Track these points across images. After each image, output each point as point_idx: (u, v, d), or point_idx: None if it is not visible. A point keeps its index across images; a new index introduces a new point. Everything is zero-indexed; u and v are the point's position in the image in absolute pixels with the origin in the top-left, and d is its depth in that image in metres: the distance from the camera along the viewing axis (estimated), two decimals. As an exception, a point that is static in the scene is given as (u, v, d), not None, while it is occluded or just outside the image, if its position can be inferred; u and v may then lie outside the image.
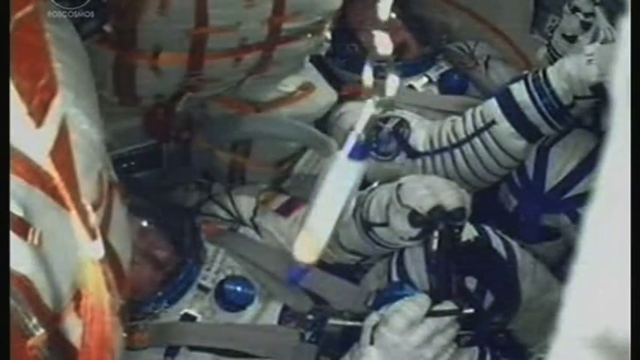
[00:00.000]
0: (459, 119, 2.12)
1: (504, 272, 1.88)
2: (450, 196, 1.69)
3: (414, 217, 1.69)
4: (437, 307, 1.61)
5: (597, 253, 0.48)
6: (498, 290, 1.84)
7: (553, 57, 2.13)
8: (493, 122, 2.03)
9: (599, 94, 1.88)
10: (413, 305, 1.59)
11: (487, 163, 2.07)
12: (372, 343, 1.58)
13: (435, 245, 1.73)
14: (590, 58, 1.90)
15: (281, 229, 1.97)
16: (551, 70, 1.97)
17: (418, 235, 1.72)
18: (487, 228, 1.92)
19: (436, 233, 1.72)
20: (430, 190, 1.70)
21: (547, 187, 2.15)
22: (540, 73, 1.98)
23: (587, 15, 2.06)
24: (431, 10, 2.64)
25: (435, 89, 2.48)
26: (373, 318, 1.64)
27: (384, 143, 2.22)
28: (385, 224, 1.76)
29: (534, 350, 1.87)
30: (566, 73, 1.93)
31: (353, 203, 1.82)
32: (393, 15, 2.54)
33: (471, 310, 1.66)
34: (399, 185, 1.76)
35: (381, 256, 1.96)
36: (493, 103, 2.05)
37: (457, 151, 2.10)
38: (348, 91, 2.43)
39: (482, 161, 2.07)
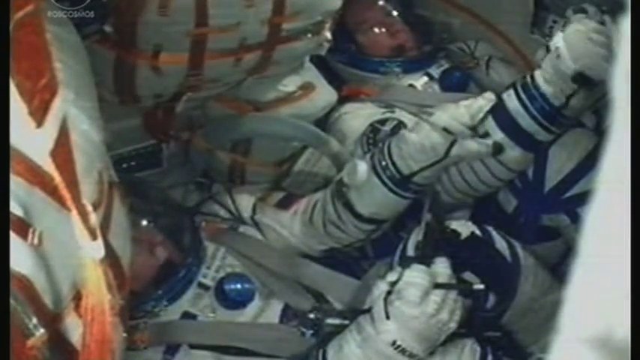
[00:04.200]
0: None
1: (509, 275, 1.88)
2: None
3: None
4: (437, 275, 1.63)
5: (597, 253, 0.48)
6: (501, 292, 1.84)
7: None
8: (486, 134, 2.00)
9: (582, 82, 1.81)
10: (422, 274, 1.61)
11: (481, 173, 2.03)
12: (388, 317, 1.59)
13: (420, 236, 1.74)
14: (557, 52, 1.85)
15: (282, 222, 1.98)
16: (538, 74, 1.93)
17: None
18: (490, 229, 1.91)
19: (423, 224, 1.72)
20: None
21: (547, 187, 2.14)
22: (528, 78, 1.94)
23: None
24: (432, 10, 2.64)
25: (435, 86, 2.47)
26: (382, 288, 1.64)
27: None
28: (441, 159, 1.80)
29: (534, 350, 1.87)
30: (548, 74, 1.89)
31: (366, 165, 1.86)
32: (395, 13, 2.55)
33: (481, 286, 1.68)
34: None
35: (384, 253, 1.96)
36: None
37: None
38: (348, 92, 2.43)
39: (475, 172, 2.03)
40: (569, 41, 1.82)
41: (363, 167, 1.85)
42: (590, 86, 1.81)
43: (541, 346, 1.85)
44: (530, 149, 1.99)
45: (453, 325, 1.63)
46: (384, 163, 1.83)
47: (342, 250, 2.01)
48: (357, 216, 1.89)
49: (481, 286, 1.68)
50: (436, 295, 1.60)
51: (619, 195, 0.45)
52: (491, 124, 1.97)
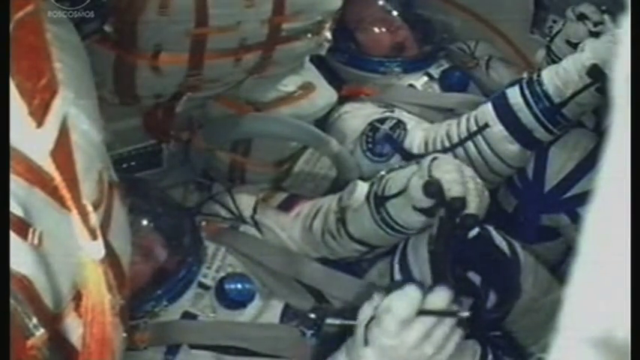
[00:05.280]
0: (454, 123, 2.11)
1: (508, 271, 1.88)
2: (476, 198, 1.63)
3: (429, 186, 1.62)
4: (430, 304, 1.43)
5: (597, 253, 0.48)
6: (502, 289, 1.84)
7: (553, 60, 2.13)
8: (486, 125, 2.01)
9: (597, 77, 1.85)
10: (403, 304, 1.41)
11: (479, 168, 2.03)
12: (366, 344, 1.45)
13: (434, 230, 1.72)
14: (582, 46, 1.91)
15: (282, 224, 1.98)
16: (545, 72, 1.96)
17: (429, 208, 1.66)
18: (490, 228, 1.92)
19: (437, 218, 1.71)
20: (461, 178, 1.64)
21: (547, 186, 2.14)
22: (535, 76, 1.97)
23: (596, 24, 2.06)
24: (432, 10, 2.64)
25: (435, 86, 2.48)
26: (367, 312, 1.48)
27: (380, 144, 2.21)
28: (402, 191, 1.70)
29: (534, 350, 1.87)
30: (562, 69, 1.92)
31: (365, 188, 1.80)
32: (395, 13, 2.55)
33: (466, 314, 1.50)
34: (434, 158, 1.71)
35: (385, 253, 1.96)
36: (488, 106, 2.04)
37: (450, 155, 2.06)
38: (348, 92, 2.43)
39: (474, 166, 2.03)
40: (596, 42, 1.90)
41: (361, 191, 1.80)
42: (602, 82, 1.84)
43: (541, 346, 1.85)
44: (528, 146, 2.01)
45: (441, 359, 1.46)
46: (380, 208, 1.77)
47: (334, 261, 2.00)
48: (349, 235, 1.87)
49: (466, 314, 1.49)
50: (420, 326, 1.41)
51: (619, 195, 0.45)
52: (492, 117, 2.00)
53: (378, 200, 1.77)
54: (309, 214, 1.96)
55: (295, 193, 2.13)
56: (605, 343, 0.45)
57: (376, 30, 2.52)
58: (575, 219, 2.10)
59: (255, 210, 2.02)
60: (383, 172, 1.83)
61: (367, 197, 1.80)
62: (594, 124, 2.18)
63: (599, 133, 2.15)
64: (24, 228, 0.92)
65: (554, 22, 2.37)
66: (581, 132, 2.14)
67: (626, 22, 0.46)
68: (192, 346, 1.73)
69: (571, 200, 2.11)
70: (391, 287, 1.49)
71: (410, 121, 2.23)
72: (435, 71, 2.50)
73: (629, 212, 0.45)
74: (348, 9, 2.37)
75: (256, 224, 2.00)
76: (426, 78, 2.49)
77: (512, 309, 1.87)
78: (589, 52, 1.88)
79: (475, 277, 1.82)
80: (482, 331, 1.82)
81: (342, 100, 2.38)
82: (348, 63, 2.50)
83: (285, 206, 2.02)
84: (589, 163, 2.08)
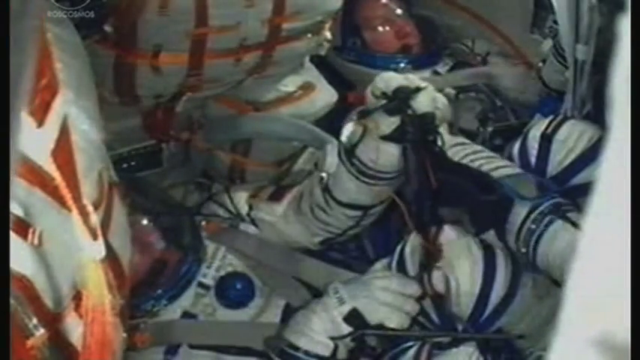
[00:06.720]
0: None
1: (507, 276, 1.88)
2: (423, 97, 1.69)
3: (387, 104, 1.69)
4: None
5: (597, 253, 0.48)
6: (501, 293, 1.84)
7: (557, 52, 2.15)
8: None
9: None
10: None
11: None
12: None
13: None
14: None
15: (276, 214, 1.99)
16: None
17: (397, 132, 1.70)
18: (491, 232, 1.92)
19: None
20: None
21: (548, 175, 2.15)
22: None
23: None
24: (435, 11, 2.65)
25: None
26: None
27: None
28: (366, 131, 1.74)
29: (535, 350, 1.87)
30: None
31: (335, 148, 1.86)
32: (400, 12, 2.57)
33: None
34: None
35: (384, 254, 1.96)
36: None
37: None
38: (354, 99, 2.43)
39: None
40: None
41: (332, 152, 1.85)
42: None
43: (541, 347, 1.85)
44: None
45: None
46: (352, 159, 1.81)
47: (338, 241, 2.01)
48: (336, 201, 1.88)
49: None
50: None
51: (619, 195, 0.45)
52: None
53: (348, 153, 1.79)
54: (295, 198, 1.98)
55: (283, 185, 2.15)
56: (605, 343, 0.45)
57: (383, 29, 2.54)
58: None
59: (250, 207, 2.03)
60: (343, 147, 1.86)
61: (339, 156, 1.82)
62: (598, 116, 2.18)
63: (603, 126, 2.16)
64: (24, 228, 0.92)
65: (555, 22, 2.38)
66: (586, 123, 2.14)
67: (626, 22, 0.46)
68: (192, 346, 1.73)
69: (570, 190, 2.11)
70: None
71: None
72: (442, 69, 2.52)
73: (629, 212, 0.45)
74: (356, 8, 2.39)
75: (253, 221, 2.01)
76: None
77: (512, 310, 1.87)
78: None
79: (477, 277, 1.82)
80: (481, 332, 1.82)
81: (349, 107, 2.38)
82: (356, 61, 2.51)
83: (277, 196, 2.03)
84: (591, 155, 2.08)
